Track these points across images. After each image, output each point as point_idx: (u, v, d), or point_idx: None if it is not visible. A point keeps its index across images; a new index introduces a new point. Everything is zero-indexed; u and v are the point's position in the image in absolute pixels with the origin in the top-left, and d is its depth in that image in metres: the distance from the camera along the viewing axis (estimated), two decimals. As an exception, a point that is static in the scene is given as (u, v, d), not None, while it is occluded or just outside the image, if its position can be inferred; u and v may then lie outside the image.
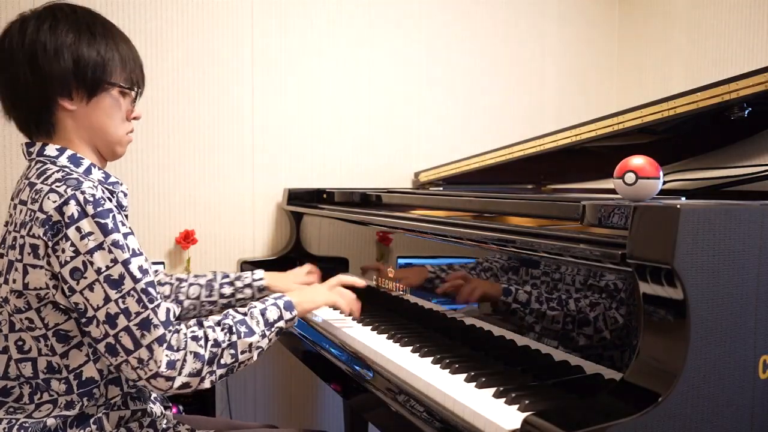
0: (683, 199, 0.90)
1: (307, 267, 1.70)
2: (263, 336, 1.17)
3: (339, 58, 2.38)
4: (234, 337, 1.12)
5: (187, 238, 2.12)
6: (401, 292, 1.48)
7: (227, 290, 1.53)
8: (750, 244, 0.82)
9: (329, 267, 1.86)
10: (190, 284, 1.52)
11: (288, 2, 2.29)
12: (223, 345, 1.11)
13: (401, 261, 1.51)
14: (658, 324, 0.82)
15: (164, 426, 1.23)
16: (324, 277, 1.78)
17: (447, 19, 2.56)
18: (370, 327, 1.40)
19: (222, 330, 1.12)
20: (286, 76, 2.30)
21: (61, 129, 1.16)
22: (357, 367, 1.24)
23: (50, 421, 1.09)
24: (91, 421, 1.13)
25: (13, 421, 1.09)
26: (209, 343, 1.09)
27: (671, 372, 0.79)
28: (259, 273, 1.58)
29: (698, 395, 0.79)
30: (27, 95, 1.13)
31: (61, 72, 1.11)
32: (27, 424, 1.09)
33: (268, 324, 1.19)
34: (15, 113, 1.17)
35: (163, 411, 1.27)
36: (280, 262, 2.12)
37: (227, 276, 1.55)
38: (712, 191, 1.46)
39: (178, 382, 1.06)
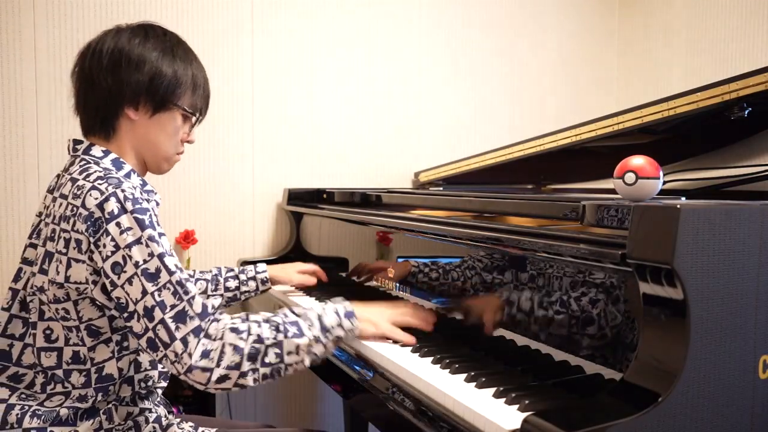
0: (683, 199, 0.90)
1: (312, 266, 1.75)
2: (317, 340, 1.12)
3: (339, 58, 2.38)
4: (281, 336, 1.08)
5: (187, 238, 2.12)
6: (401, 292, 1.48)
7: (232, 284, 1.61)
8: (750, 244, 0.82)
9: (329, 267, 1.86)
10: (197, 279, 1.58)
11: (288, 2, 2.29)
12: (267, 342, 1.07)
13: (401, 261, 1.51)
14: (658, 324, 0.82)
15: (169, 422, 1.25)
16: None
17: (447, 20, 2.56)
18: (370, 327, 1.40)
19: (270, 327, 1.09)
20: (286, 75, 2.30)
21: (119, 134, 1.22)
22: (357, 367, 1.24)
23: (63, 411, 1.12)
24: (101, 412, 1.15)
25: (26, 407, 1.11)
26: (251, 338, 1.06)
27: (671, 372, 0.79)
28: (262, 266, 1.66)
29: (698, 395, 0.79)
30: (100, 97, 1.19)
31: (137, 83, 1.19)
32: (40, 412, 1.11)
33: (324, 329, 1.13)
34: (84, 111, 1.23)
35: (167, 414, 1.28)
36: (280, 262, 2.11)
37: (231, 270, 1.63)
38: (712, 191, 1.46)
39: (216, 374, 1.04)
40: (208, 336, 1.05)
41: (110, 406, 1.16)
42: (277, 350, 1.08)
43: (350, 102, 2.41)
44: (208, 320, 1.07)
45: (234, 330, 1.07)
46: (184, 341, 1.04)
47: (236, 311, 1.62)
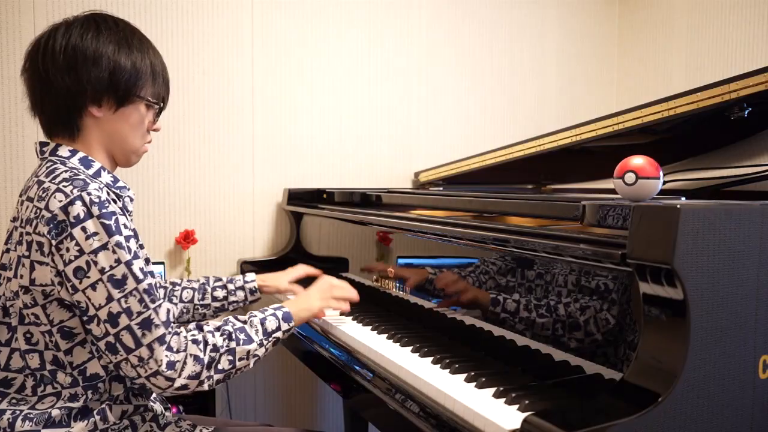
0: (683, 199, 0.90)
1: (303, 269, 1.69)
2: (261, 345, 1.20)
3: (339, 58, 2.38)
4: (233, 344, 1.15)
5: (187, 238, 2.12)
6: (401, 292, 1.48)
7: (220, 293, 1.55)
8: (750, 244, 0.82)
9: (329, 267, 1.87)
10: (183, 288, 1.53)
11: (288, 2, 2.29)
12: (222, 350, 1.14)
13: (401, 261, 1.51)
14: (658, 324, 0.82)
15: (166, 421, 1.24)
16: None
17: (447, 19, 2.56)
18: (370, 327, 1.40)
19: (221, 335, 1.15)
20: (286, 75, 2.30)
21: (85, 133, 1.19)
22: (357, 367, 1.24)
23: (55, 413, 1.11)
24: (95, 412, 1.14)
25: (17, 411, 1.11)
26: (208, 348, 1.12)
27: (671, 372, 0.79)
28: (251, 275, 1.59)
29: (698, 395, 0.79)
30: (59, 98, 1.16)
31: (97, 80, 1.16)
32: (32, 415, 1.10)
33: (267, 333, 1.21)
34: (43, 112, 1.20)
35: (163, 411, 1.28)
36: (280, 262, 2.11)
37: (220, 279, 1.57)
38: (713, 191, 1.46)
39: (177, 383, 1.09)
40: (170, 348, 1.09)
41: (104, 406, 1.15)
42: (230, 357, 1.15)
43: (350, 102, 2.41)
44: (170, 330, 1.10)
45: (194, 342, 1.12)
46: (150, 348, 1.07)
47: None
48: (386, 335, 1.33)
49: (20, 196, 1.18)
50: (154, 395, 1.28)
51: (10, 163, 1.96)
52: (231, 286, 1.56)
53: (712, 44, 2.45)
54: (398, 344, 1.26)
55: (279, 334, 1.24)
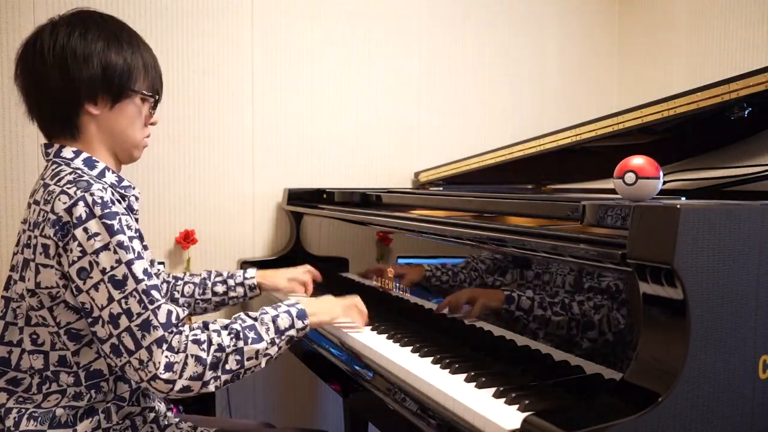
0: (683, 199, 0.90)
1: (304, 267, 1.73)
2: (272, 343, 1.15)
3: (339, 58, 2.38)
4: (240, 343, 1.11)
5: (187, 238, 2.12)
6: (401, 292, 1.48)
7: (220, 288, 1.57)
8: (750, 244, 0.82)
9: (329, 267, 1.87)
10: (185, 283, 1.55)
11: (288, 2, 2.29)
12: (228, 350, 1.09)
13: (401, 261, 1.51)
14: (658, 324, 0.82)
15: (167, 422, 1.24)
16: (324, 277, 1.78)
17: (447, 20, 2.56)
18: (370, 327, 1.40)
19: (228, 334, 1.11)
20: (286, 75, 2.30)
21: (84, 132, 1.19)
22: (357, 367, 1.24)
23: (59, 412, 1.11)
24: (100, 411, 1.14)
25: (23, 410, 1.11)
26: (212, 348, 1.08)
27: (671, 372, 0.79)
28: (251, 272, 1.61)
29: (698, 395, 0.79)
30: (55, 99, 1.16)
31: (90, 78, 1.16)
32: (36, 414, 1.11)
33: (279, 331, 1.17)
34: (40, 115, 1.21)
35: (165, 411, 1.28)
36: (280, 262, 2.11)
37: (220, 275, 1.59)
38: (713, 191, 1.46)
39: (178, 385, 1.05)
40: (171, 348, 1.05)
41: (109, 405, 1.15)
42: (238, 357, 1.10)
43: (350, 102, 2.41)
44: (171, 331, 1.06)
45: (196, 341, 1.07)
46: (149, 350, 1.04)
47: (237, 310, 1.63)
48: (386, 335, 1.33)
49: (29, 198, 1.18)
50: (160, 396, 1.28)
51: (10, 163, 1.96)
52: (231, 282, 1.58)
53: (713, 44, 2.45)
54: (398, 344, 1.26)
55: (293, 333, 1.19)
